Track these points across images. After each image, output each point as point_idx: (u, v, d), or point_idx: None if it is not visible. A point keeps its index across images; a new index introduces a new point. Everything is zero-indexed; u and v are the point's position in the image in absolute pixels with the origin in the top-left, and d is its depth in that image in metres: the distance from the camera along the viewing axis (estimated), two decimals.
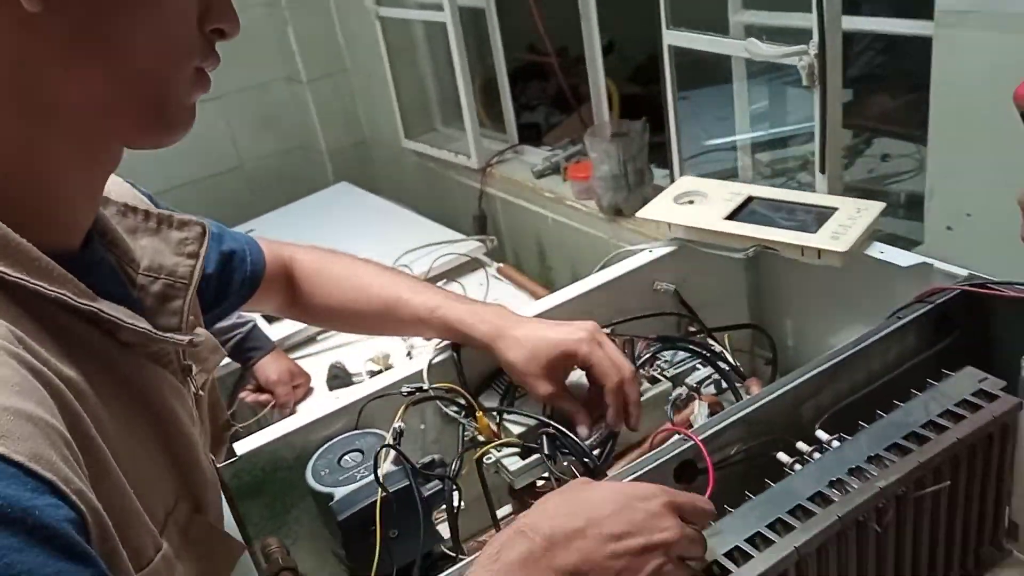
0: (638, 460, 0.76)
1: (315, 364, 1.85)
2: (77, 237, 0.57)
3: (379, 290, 0.98)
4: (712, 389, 0.99)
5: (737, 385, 0.97)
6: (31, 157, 0.51)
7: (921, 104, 1.34)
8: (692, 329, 1.10)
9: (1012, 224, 0.80)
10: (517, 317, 0.94)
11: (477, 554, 0.59)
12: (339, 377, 1.85)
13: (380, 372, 1.68)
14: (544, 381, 0.89)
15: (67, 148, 0.53)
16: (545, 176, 2.45)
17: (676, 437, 0.74)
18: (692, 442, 0.72)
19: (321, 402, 0.92)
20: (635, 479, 0.73)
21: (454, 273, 2.09)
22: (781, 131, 1.95)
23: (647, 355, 1.00)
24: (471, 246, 2.23)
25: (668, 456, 0.74)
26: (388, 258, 2.11)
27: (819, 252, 0.99)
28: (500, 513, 0.95)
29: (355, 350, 1.88)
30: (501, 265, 1.98)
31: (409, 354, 1.83)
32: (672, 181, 1.85)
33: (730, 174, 1.96)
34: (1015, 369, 0.79)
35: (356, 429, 0.91)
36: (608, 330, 0.99)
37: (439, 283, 2.05)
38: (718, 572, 0.64)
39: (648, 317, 1.06)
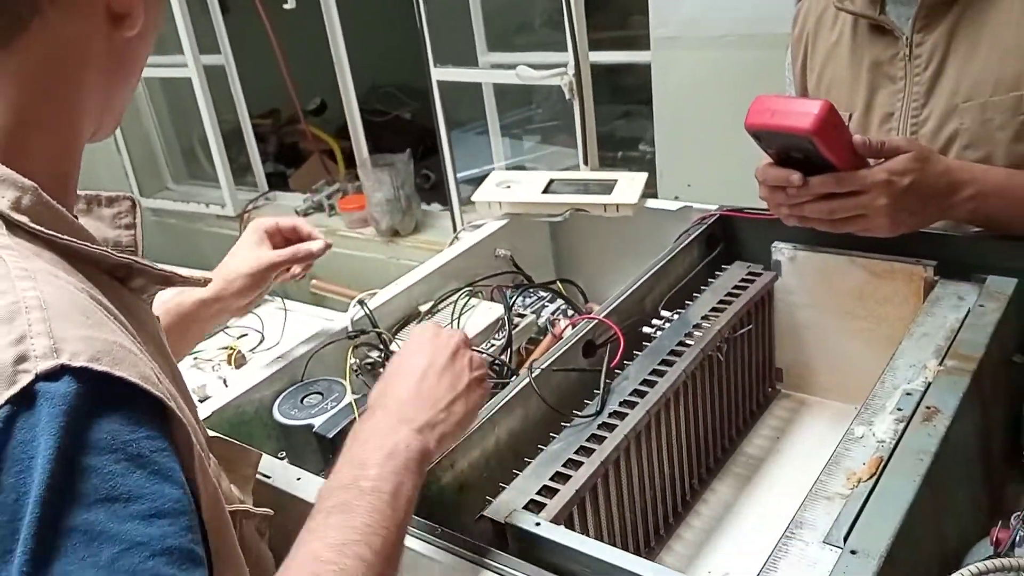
0: (553, 347, 0.99)
1: None
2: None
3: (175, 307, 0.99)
4: (562, 319, 1.25)
5: (581, 310, 1.25)
6: (73, 148, 0.62)
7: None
8: (525, 284, 1.35)
9: (721, 188, 1.18)
10: None
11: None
12: None
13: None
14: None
15: (82, 140, 0.63)
16: (308, 215, 2.58)
17: (583, 320, 0.99)
18: (596, 321, 0.98)
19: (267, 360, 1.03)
20: (553, 362, 0.95)
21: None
22: (528, 157, 2.31)
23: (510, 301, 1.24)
24: None
25: (578, 337, 0.98)
26: None
27: (617, 207, 1.31)
28: None
29: None
30: (315, 280, 2.09)
31: (224, 381, 1.86)
32: (449, 203, 2.11)
33: None
34: (767, 259, 1.16)
35: (302, 380, 1.03)
36: (470, 287, 1.22)
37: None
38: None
39: (496, 276, 1.30)
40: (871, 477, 0.68)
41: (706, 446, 1.03)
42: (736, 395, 1.10)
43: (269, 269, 1.01)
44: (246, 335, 2.03)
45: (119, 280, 0.62)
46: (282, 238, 1.04)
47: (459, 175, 2.32)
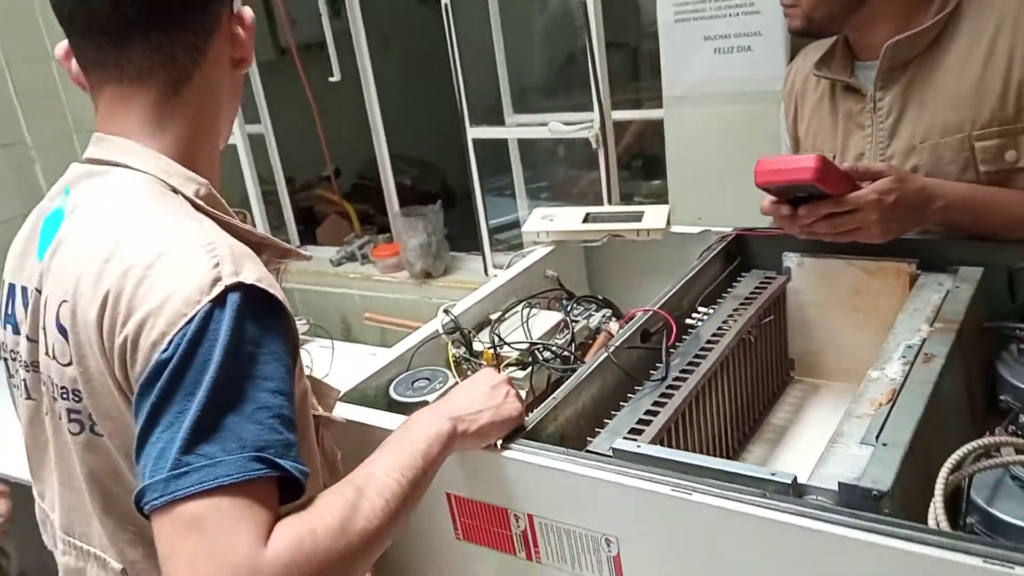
0: (620, 331, 1.19)
1: None
2: None
3: None
4: (612, 322, 1.44)
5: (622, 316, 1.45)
6: (217, 157, 0.88)
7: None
8: (574, 297, 1.55)
9: (725, 218, 1.40)
10: None
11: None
12: None
13: None
14: None
15: (219, 151, 0.90)
16: (342, 264, 2.79)
17: (640, 312, 1.19)
18: (651, 312, 1.18)
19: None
20: (615, 349, 1.15)
21: None
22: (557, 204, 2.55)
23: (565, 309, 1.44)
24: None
25: (637, 326, 1.18)
26: None
27: (648, 231, 1.52)
28: None
29: None
30: (368, 313, 2.27)
31: None
32: (480, 247, 2.34)
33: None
34: (777, 267, 1.37)
35: (408, 370, 1.22)
36: (529, 300, 1.42)
37: None
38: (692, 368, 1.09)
39: (548, 292, 1.50)
40: (889, 401, 0.88)
41: (743, 415, 1.23)
42: (761, 377, 1.29)
43: None
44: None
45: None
46: None
47: (495, 220, 2.55)
